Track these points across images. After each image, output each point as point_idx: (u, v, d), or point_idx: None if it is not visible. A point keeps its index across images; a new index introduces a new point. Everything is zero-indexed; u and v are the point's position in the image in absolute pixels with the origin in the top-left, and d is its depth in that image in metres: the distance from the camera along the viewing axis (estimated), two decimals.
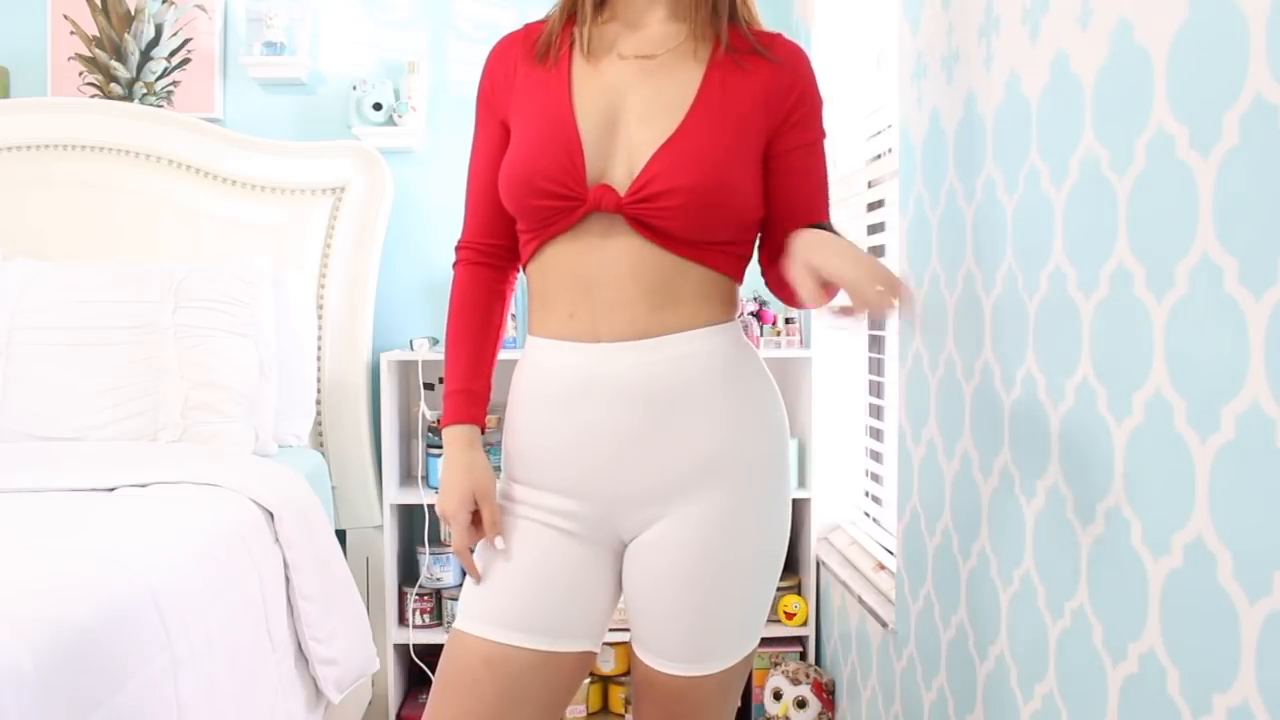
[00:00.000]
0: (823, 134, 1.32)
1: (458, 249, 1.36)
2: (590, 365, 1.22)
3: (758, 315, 2.75)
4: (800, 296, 1.14)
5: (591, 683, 2.73)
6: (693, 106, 1.22)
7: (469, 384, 1.31)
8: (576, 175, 1.21)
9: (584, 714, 2.70)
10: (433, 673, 2.69)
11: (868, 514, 2.53)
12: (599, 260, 1.22)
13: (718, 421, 1.23)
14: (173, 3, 2.76)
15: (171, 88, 2.79)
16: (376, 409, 2.77)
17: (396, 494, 2.68)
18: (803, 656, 2.67)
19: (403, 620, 2.73)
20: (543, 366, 1.27)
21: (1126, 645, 1.11)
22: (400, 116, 2.82)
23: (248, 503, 1.94)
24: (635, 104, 1.24)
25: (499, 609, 1.25)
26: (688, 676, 1.26)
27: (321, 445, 2.73)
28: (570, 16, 1.30)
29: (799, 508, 2.64)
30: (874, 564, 2.31)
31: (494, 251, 1.35)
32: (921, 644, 1.80)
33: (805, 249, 1.14)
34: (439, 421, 1.32)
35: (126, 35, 2.70)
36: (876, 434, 2.48)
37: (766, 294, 2.83)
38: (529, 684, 1.24)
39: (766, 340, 2.72)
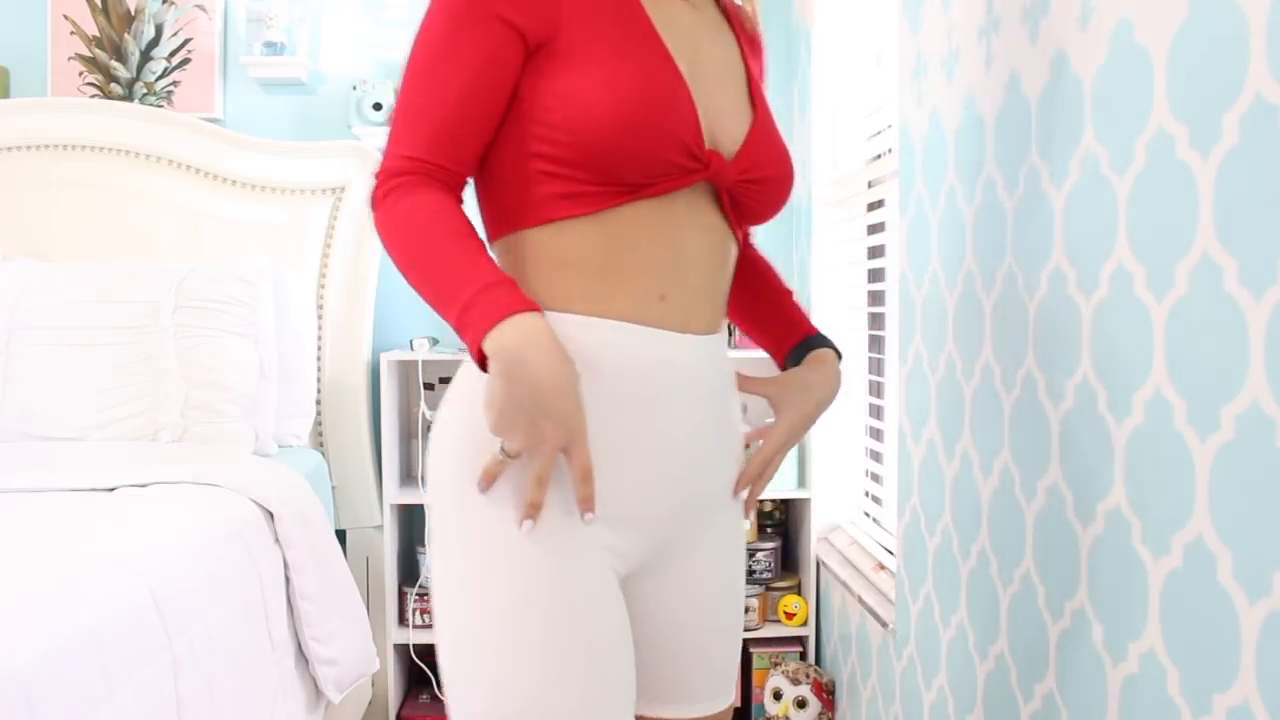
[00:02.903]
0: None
1: (395, 170, 0.98)
2: (677, 359, 1.02)
3: None
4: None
5: None
6: (750, 81, 1.12)
7: (506, 275, 0.95)
8: (699, 134, 1.00)
9: None
10: (432, 672, 2.70)
11: (868, 514, 2.53)
12: (694, 239, 1.03)
13: (736, 429, 1.14)
14: (173, 3, 2.76)
15: (171, 88, 2.79)
16: (376, 409, 2.77)
17: (396, 494, 2.68)
18: (803, 656, 2.67)
19: (403, 620, 2.73)
20: (621, 355, 1.00)
21: (1126, 645, 1.11)
22: None
23: (248, 503, 1.94)
24: (709, 61, 1.07)
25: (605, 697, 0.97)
26: (717, 714, 1.14)
27: (321, 445, 2.73)
28: None
29: (799, 507, 2.63)
30: (874, 564, 2.31)
31: (455, 180, 1.01)
32: (921, 644, 1.80)
33: (785, 401, 1.16)
34: (470, 341, 0.92)
35: (126, 35, 2.70)
36: (876, 434, 2.48)
37: None
38: None
39: None
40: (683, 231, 1.02)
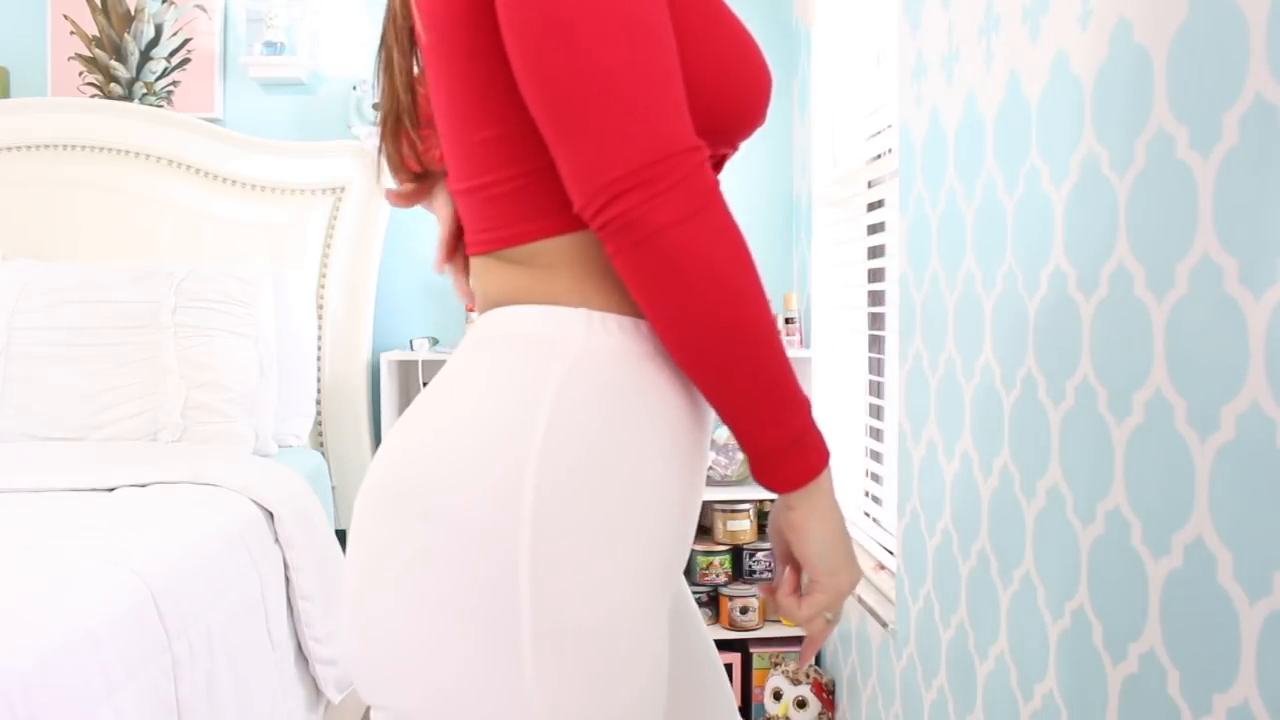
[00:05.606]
0: None
1: (694, 154, 0.69)
2: None
3: None
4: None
5: None
6: None
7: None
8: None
9: None
10: None
11: (868, 514, 2.53)
12: None
13: None
14: (173, 3, 2.77)
15: (171, 88, 2.80)
16: (376, 409, 2.77)
17: None
18: None
19: None
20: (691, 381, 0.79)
21: (1126, 645, 1.11)
22: None
23: (248, 503, 1.94)
24: None
25: None
26: None
27: (321, 445, 2.74)
28: None
29: None
30: (874, 564, 2.32)
31: None
32: (921, 644, 1.80)
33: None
34: (813, 459, 0.77)
35: (126, 35, 2.70)
36: (876, 434, 2.48)
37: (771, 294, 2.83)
38: None
39: None
40: None
